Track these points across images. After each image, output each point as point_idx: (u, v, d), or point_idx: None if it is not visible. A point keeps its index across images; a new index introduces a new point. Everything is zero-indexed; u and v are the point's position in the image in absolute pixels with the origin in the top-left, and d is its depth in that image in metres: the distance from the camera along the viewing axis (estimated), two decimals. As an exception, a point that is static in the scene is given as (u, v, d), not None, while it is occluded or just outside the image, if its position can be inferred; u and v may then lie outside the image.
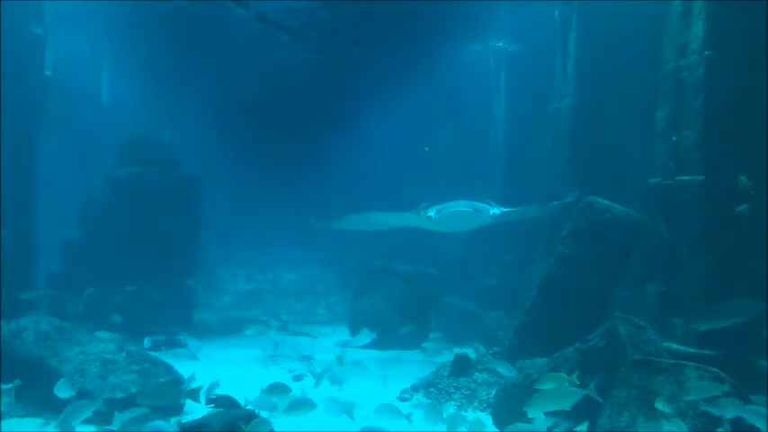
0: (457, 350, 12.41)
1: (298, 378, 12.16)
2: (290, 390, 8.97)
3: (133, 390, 9.21)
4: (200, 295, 19.20)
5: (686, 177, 10.36)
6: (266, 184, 24.25)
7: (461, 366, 11.19)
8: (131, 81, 21.33)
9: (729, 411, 6.85)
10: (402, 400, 10.84)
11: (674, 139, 10.69)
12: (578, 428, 8.10)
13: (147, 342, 12.73)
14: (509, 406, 8.97)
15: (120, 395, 9.16)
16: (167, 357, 10.76)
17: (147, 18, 18.55)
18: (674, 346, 9.78)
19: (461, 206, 11.48)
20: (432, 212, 11.58)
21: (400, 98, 23.26)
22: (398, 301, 15.74)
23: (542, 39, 16.56)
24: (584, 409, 7.84)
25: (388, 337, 14.65)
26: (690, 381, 7.30)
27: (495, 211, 11.69)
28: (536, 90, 16.84)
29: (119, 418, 8.19)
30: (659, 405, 7.01)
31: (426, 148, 22.73)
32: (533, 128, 17.11)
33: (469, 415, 9.87)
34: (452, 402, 10.49)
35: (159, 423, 7.88)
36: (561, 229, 11.66)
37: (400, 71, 22.35)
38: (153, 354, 10.70)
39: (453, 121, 22.81)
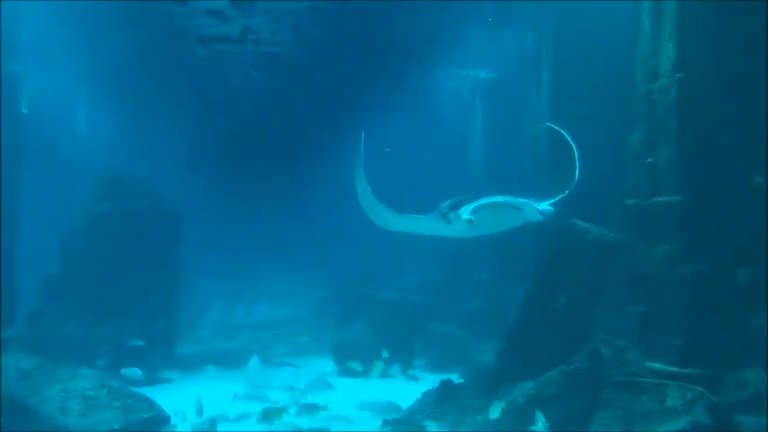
0: (442, 377, 12.40)
1: (282, 410, 12.10)
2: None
3: (116, 426, 9.13)
4: (183, 328, 19.05)
5: (662, 198, 10.47)
6: (251, 212, 24.17)
7: (447, 392, 11.17)
8: (109, 114, 21.32)
9: None
10: (386, 424, 10.83)
11: (648, 160, 10.82)
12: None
13: (129, 376, 12.60)
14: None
15: (102, 432, 9.08)
16: (150, 393, 10.68)
17: (121, 50, 18.59)
18: (657, 365, 9.81)
19: (503, 203, 9.20)
20: (465, 213, 9.34)
21: (382, 122, 23.35)
22: (382, 330, 15.72)
23: (517, 64, 16.76)
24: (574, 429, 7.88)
25: (372, 366, 14.60)
26: (673, 400, 7.34)
27: (543, 206, 9.18)
28: (513, 114, 17.00)
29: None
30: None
31: (387, 149, 22.71)
32: (510, 152, 17.23)
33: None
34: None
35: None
36: (542, 252, 11.72)
37: (381, 96, 22.48)
38: (135, 389, 10.62)
39: (434, 145, 22.91)
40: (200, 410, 10.29)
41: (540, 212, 8.80)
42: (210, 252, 21.68)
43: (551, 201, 9.08)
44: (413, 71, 21.46)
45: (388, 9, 17.05)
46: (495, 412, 9.28)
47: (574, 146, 9.58)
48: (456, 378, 12.61)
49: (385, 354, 14.17)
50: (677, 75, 10.31)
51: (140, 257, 15.81)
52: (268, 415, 9.25)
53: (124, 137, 21.62)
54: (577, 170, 9.41)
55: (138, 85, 20.94)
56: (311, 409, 11.81)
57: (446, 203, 9.10)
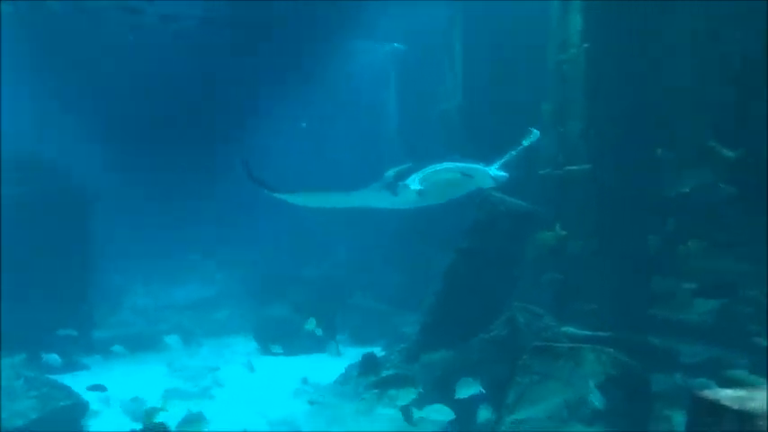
0: (365, 350, 12.51)
1: (204, 390, 12.05)
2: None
3: (33, 416, 8.91)
4: (102, 312, 18.62)
5: (574, 167, 10.72)
6: (168, 193, 23.66)
7: (370, 365, 11.28)
8: (15, 96, 20.49)
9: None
10: (312, 403, 10.86)
11: (560, 130, 11.05)
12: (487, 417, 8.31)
13: (49, 362, 12.28)
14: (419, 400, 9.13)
15: (19, 422, 8.85)
16: (68, 379, 10.45)
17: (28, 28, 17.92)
18: (572, 329, 10.08)
19: (453, 169, 8.49)
20: (413, 183, 8.65)
21: (296, 94, 23.15)
22: (304, 307, 15.73)
23: (431, 38, 16.81)
24: (494, 395, 8.08)
25: (295, 344, 14.65)
26: (588, 363, 7.60)
27: (494, 171, 8.47)
28: (427, 89, 17.08)
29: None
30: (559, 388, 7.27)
31: (303, 124, 22.57)
32: (425, 126, 17.33)
33: (380, 411, 9.98)
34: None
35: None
36: (460, 224, 11.87)
37: (295, 68, 22.25)
38: (53, 377, 10.37)
39: (350, 118, 22.85)
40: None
41: (493, 178, 8.23)
42: (129, 234, 21.19)
43: (498, 165, 8.46)
44: (325, 44, 21.30)
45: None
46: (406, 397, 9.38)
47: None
48: (379, 351, 12.74)
49: (318, 332, 14.20)
50: (584, 45, 10.52)
51: (52, 243, 15.33)
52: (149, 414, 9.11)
53: (33, 119, 20.86)
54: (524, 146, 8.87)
55: (45, 66, 20.21)
56: (230, 391, 11.83)
57: (391, 173, 8.56)
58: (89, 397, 10.14)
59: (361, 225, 18.23)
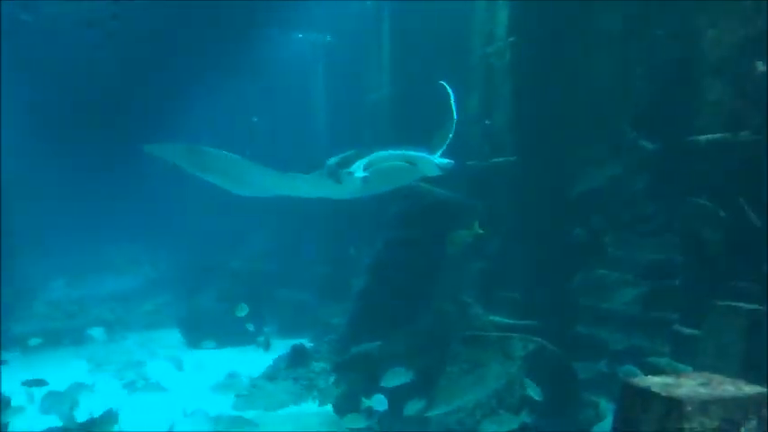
0: (293, 342, 12.46)
1: (129, 385, 11.82)
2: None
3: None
4: (20, 306, 18.04)
5: (500, 159, 10.89)
6: (90, 182, 23.03)
7: (298, 357, 11.25)
8: None
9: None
10: (238, 396, 10.77)
11: (486, 122, 11.19)
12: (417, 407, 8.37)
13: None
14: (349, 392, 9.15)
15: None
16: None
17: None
18: (499, 318, 10.24)
19: (398, 157, 8.04)
20: (358, 170, 8.14)
21: (219, 87, 22.79)
22: (230, 299, 15.56)
23: (359, 28, 16.76)
24: (424, 384, 8.15)
25: (222, 337, 14.50)
26: (516, 351, 7.75)
27: (438, 158, 8.21)
28: (356, 80, 17.04)
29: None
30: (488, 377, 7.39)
31: (255, 119, 22.28)
32: (354, 118, 17.30)
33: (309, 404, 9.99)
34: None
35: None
36: (385, 215, 11.91)
37: (216, 60, 21.91)
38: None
39: (277, 108, 22.64)
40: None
41: (438, 166, 7.99)
42: (48, 227, 20.57)
43: (440, 153, 8.31)
44: (248, 35, 21.04)
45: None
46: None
47: (452, 95, 9.10)
48: (307, 342, 12.71)
49: (250, 327, 14.07)
50: (510, 38, 10.67)
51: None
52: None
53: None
54: (454, 121, 8.86)
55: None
56: (157, 386, 11.64)
57: (333, 161, 8.08)
58: (12, 393, 9.83)
59: (288, 216, 18.14)
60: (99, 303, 20.05)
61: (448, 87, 9.09)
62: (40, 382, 10.04)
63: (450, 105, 8.91)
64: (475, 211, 11.44)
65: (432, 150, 8.10)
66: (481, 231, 10.24)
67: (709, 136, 7.54)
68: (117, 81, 22.20)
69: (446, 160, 7.96)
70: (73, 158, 22.26)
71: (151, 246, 22.64)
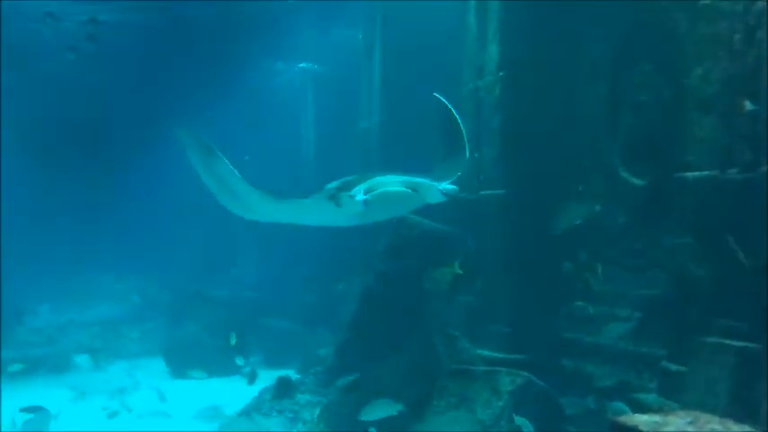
0: (279, 372, 12.36)
1: (112, 415, 11.69)
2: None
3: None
4: (3, 332, 17.83)
5: (488, 192, 10.90)
6: (77, 208, 22.91)
7: (284, 389, 11.15)
8: None
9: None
10: (222, 428, 10.66)
11: (475, 155, 11.21)
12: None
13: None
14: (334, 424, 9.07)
15: None
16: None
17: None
18: (486, 352, 10.20)
19: (401, 182, 7.66)
20: (359, 194, 7.71)
21: (208, 114, 22.83)
22: (215, 328, 15.47)
23: (349, 60, 16.89)
24: (410, 418, 8.08)
25: (206, 366, 14.38)
26: (503, 386, 7.71)
27: (444, 185, 7.86)
28: (346, 109, 17.12)
29: None
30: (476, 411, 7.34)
31: (246, 157, 22.28)
32: (344, 145, 17.35)
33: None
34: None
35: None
36: (376, 246, 11.89)
37: (208, 86, 22.01)
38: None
39: (266, 137, 22.68)
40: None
41: (443, 192, 7.66)
42: (31, 253, 20.45)
43: (449, 180, 7.90)
44: (239, 64, 21.18)
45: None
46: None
47: (460, 122, 8.81)
48: (293, 373, 12.61)
49: (240, 361, 14.00)
50: (500, 73, 10.74)
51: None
52: None
53: None
54: (467, 149, 8.61)
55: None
56: (143, 414, 11.51)
57: (334, 184, 7.74)
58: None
59: (276, 244, 18.09)
60: (84, 330, 19.87)
61: (446, 101, 9.01)
62: (36, 409, 9.97)
63: (452, 123, 8.76)
64: (464, 243, 11.45)
65: (438, 177, 7.82)
66: (460, 272, 10.23)
67: (697, 173, 7.58)
68: (100, 110, 22.27)
69: (451, 186, 7.68)
70: (60, 185, 22.22)
71: (138, 273, 22.50)
